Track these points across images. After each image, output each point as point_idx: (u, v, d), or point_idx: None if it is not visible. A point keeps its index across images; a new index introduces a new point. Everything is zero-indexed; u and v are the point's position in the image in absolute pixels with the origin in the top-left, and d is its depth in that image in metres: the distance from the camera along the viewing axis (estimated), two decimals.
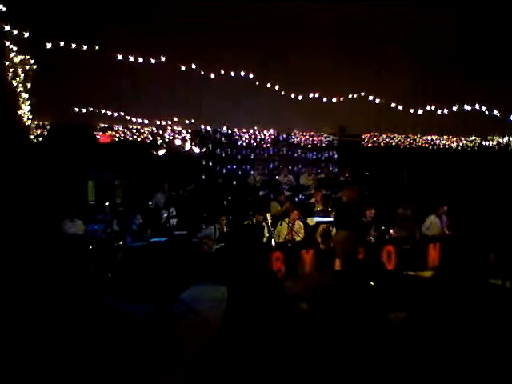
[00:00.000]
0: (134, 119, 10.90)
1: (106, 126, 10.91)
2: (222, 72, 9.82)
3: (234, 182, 11.03)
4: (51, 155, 9.29)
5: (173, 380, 4.11)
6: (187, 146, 9.11)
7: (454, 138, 12.35)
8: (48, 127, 10.21)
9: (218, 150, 11.53)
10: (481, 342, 3.03)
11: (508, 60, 11.03)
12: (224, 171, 11.45)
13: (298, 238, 8.76)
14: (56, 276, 6.01)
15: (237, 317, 4.00)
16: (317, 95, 10.47)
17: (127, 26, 10.11)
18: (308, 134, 11.91)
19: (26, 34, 7.18)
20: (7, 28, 6.76)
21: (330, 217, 8.37)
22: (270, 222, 8.56)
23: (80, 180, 10.67)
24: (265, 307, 3.76)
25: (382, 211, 9.11)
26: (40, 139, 9.85)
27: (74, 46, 8.45)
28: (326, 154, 12.03)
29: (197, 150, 8.38)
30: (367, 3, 9.80)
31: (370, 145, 12.00)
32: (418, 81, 11.74)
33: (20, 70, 7.51)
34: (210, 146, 11.04)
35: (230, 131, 11.58)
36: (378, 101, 10.78)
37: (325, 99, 10.56)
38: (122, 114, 10.66)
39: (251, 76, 10.03)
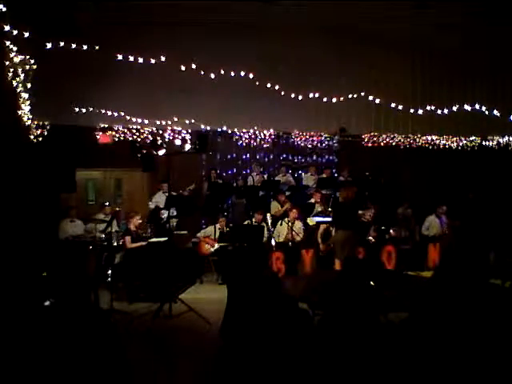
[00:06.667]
0: (134, 119, 10.89)
1: (106, 126, 10.90)
2: (222, 72, 9.82)
3: (234, 182, 11.04)
4: (51, 155, 9.29)
5: (173, 380, 4.11)
6: (187, 146, 9.09)
7: (454, 138, 12.34)
8: (48, 127, 10.20)
9: (218, 150, 11.54)
10: (481, 342, 3.03)
11: (508, 60, 11.03)
12: (224, 171, 11.45)
13: (297, 238, 8.76)
14: (56, 276, 6.01)
15: (237, 317, 4.00)
16: (317, 95, 10.46)
17: (127, 26, 10.11)
18: (308, 134, 11.90)
19: (26, 34, 7.17)
20: (7, 28, 6.75)
21: (329, 217, 8.39)
22: (270, 222, 8.57)
23: (80, 180, 10.67)
24: (265, 307, 3.75)
25: (382, 211, 9.11)
26: (40, 139, 9.84)
27: (73, 45, 8.44)
28: (325, 153, 12.04)
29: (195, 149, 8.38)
30: (367, 3, 9.79)
31: (370, 145, 11.99)
32: (417, 81, 11.75)
33: (20, 70, 7.50)
34: (210, 146, 11.03)
35: (230, 131, 11.58)
36: (378, 101, 10.78)
37: (325, 99, 10.55)
38: (122, 114, 10.65)
39: (251, 76, 10.02)
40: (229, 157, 11.64)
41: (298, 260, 8.25)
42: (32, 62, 7.71)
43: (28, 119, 8.99)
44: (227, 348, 3.88)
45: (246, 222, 9.33)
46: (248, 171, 11.35)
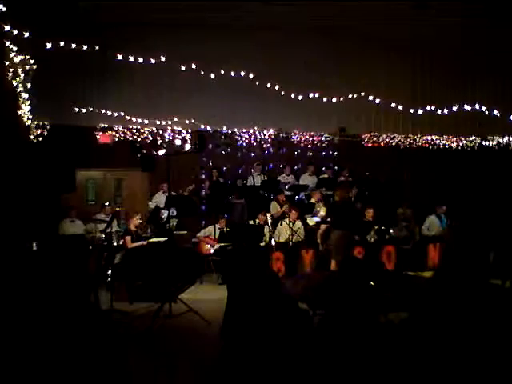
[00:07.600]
0: (134, 119, 10.89)
1: (106, 126, 10.90)
2: (222, 72, 9.81)
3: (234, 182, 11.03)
4: (51, 155, 9.29)
5: (173, 380, 4.11)
6: (187, 146, 9.10)
7: (454, 138, 12.34)
8: (48, 127, 10.20)
9: (218, 150, 11.53)
10: (481, 342, 3.03)
11: (508, 60, 11.02)
12: (224, 171, 11.44)
13: (298, 238, 8.76)
14: (56, 276, 6.01)
15: (237, 317, 4.00)
16: (317, 95, 10.46)
17: (128, 26, 10.10)
18: (308, 134, 11.89)
19: (26, 34, 7.17)
20: (7, 28, 6.75)
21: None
22: (270, 222, 8.58)
23: (80, 180, 10.67)
24: (265, 307, 3.75)
25: (382, 211, 9.11)
26: (40, 139, 9.84)
27: (73, 45, 8.44)
28: (325, 153, 12.03)
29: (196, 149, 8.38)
30: (367, 3, 9.78)
31: (370, 145, 11.98)
32: (417, 81, 11.75)
33: (20, 70, 7.50)
34: (210, 146, 11.04)
35: (230, 131, 11.57)
36: (378, 101, 10.77)
37: (325, 99, 10.55)
38: (122, 114, 10.65)
39: (251, 76, 10.02)
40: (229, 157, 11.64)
41: (298, 260, 8.25)
42: (32, 62, 7.71)
43: (28, 119, 8.99)
44: (227, 348, 3.88)
45: (247, 223, 9.35)
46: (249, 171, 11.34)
